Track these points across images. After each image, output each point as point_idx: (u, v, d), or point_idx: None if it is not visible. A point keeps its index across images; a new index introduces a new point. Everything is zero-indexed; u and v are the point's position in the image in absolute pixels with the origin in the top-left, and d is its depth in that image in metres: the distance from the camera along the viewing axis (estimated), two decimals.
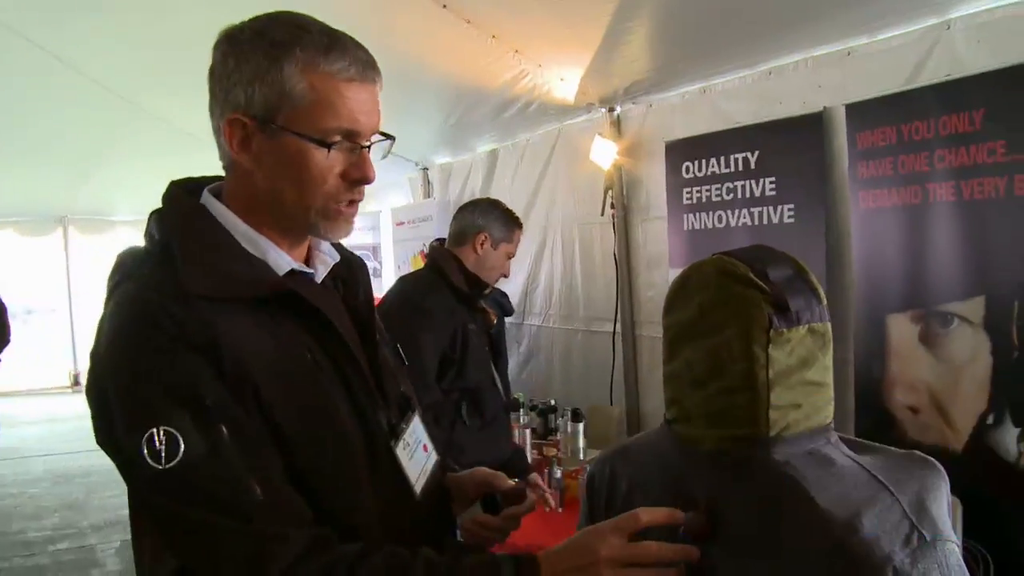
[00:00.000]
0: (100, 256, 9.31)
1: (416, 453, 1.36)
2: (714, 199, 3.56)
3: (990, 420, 2.48)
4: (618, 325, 4.30)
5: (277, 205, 1.21)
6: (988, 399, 2.48)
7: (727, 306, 1.02)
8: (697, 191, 3.65)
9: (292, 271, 1.25)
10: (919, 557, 0.88)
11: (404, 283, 3.14)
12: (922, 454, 1.02)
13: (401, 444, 1.31)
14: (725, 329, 1.02)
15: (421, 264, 6.95)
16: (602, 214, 4.28)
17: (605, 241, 4.37)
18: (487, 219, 3.05)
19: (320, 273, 1.32)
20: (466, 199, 5.89)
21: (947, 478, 0.98)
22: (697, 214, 3.65)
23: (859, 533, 0.90)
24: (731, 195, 3.47)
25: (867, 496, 0.94)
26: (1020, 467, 2.37)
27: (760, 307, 1.00)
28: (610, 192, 4.22)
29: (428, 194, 6.48)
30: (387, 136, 1.26)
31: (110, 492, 6.03)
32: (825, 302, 1.06)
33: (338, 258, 1.37)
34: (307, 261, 1.33)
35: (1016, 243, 2.39)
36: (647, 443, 1.21)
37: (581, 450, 3.83)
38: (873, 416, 2.83)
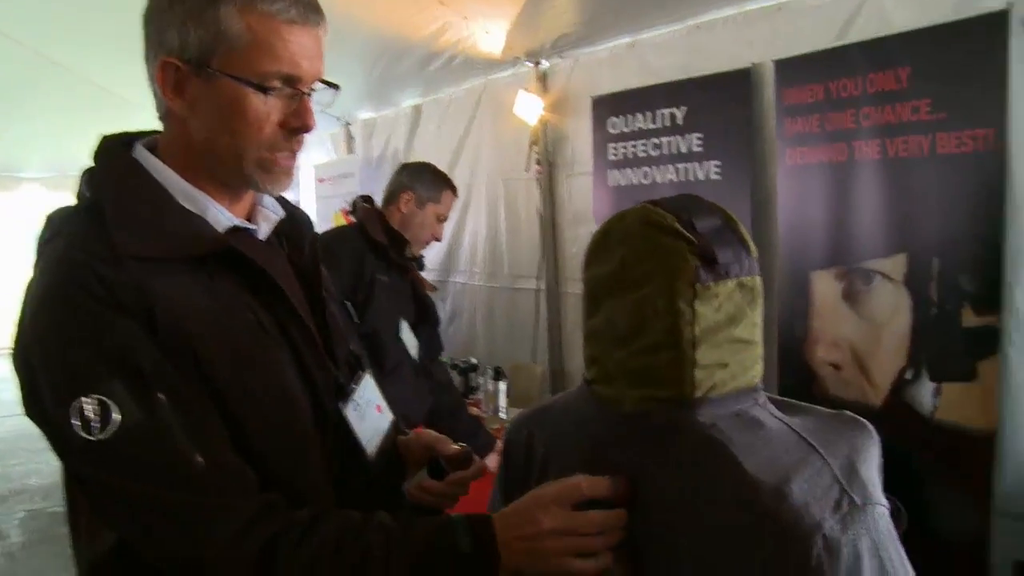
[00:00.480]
0: (8, 214, 8.99)
1: (368, 413, 1.32)
2: (640, 155, 3.52)
3: (908, 376, 2.51)
4: (542, 282, 4.25)
5: (212, 156, 1.14)
6: (907, 355, 2.51)
7: (651, 258, 0.96)
8: (623, 147, 3.60)
9: (234, 228, 1.17)
10: (849, 523, 0.84)
11: (328, 237, 3.05)
12: (852, 414, 0.97)
13: (351, 405, 1.27)
14: (648, 283, 0.95)
15: (344, 222, 6.86)
16: (527, 170, 4.23)
17: (530, 198, 4.31)
18: (413, 178, 3.02)
19: (263, 230, 1.25)
20: (389, 156, 5.81)
21: (878, 439, 0.94)
22: (623, 170, 3.61)
23: (788, 500, 0.85)
24: (657, 151, 3.43)
25: (796, 460, 0.89)
26: (934, 421, 2.42)
27: (686, 259, 0.94)
28: (535, 148, 4.17)
29: (351, 150, 6.35)
30: (330, 85, 1.18)
31: (15, 460, 5.76)
32: (755, 255, 1.00)
33: (283, 214, 1.29)
34: (250, 218, 1.25)
35: (938, 201, 2.42)
36: (565, 405, 1.15)
37: (503, 409, 3.82)
38: (795, 373, 2.84)
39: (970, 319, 2.34)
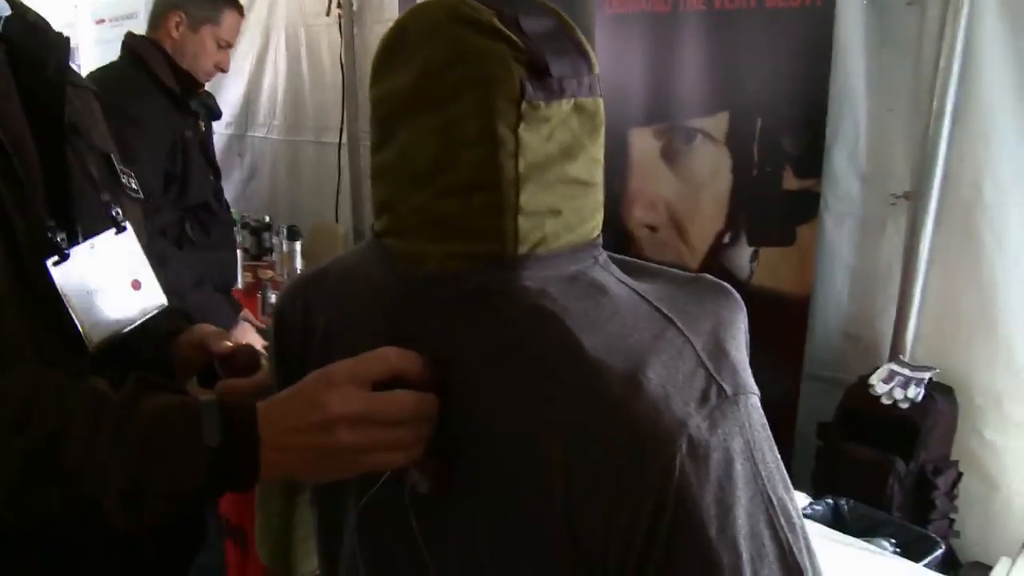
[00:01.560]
0: None
1: (107, 288, 1.01)
2: None
3: (726, 239, 2.44)
4: (344, 136, 3.91)
5: None
6: (726, 217, 2.44)
7: (461, 65, 0.69)
8: None
9: None
10: (719, 419, 0.64)
11: (102, 83, 2.48)
12: (713, 279, 0.76)
13: (67, 268, 0.96)
14: (458, 99, 0.69)
15: None
16: (328, 14, 3.81)
17: (332, 45, 3.91)
18: None
19: None
20: None
21: (744, 309, 0.75)
22: None
23: (643, 391, 0.63)
24: None
25: (650, 337, 0.67)
26: (751, 285, 2.36)
27: (508, 68, 0.68)
28: None
29: None
30: None
31: None
32: (597, 70, 0.76)
33: (6, 12, 0.98)
34: None
35: (763, 57, 2.30)
36: (351, 265, 0.87)
37: (299, 271, 3.53)
38: (610, 234, 2.70)
39: (791, 182, 2.28)
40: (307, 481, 0.98)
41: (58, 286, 0.95)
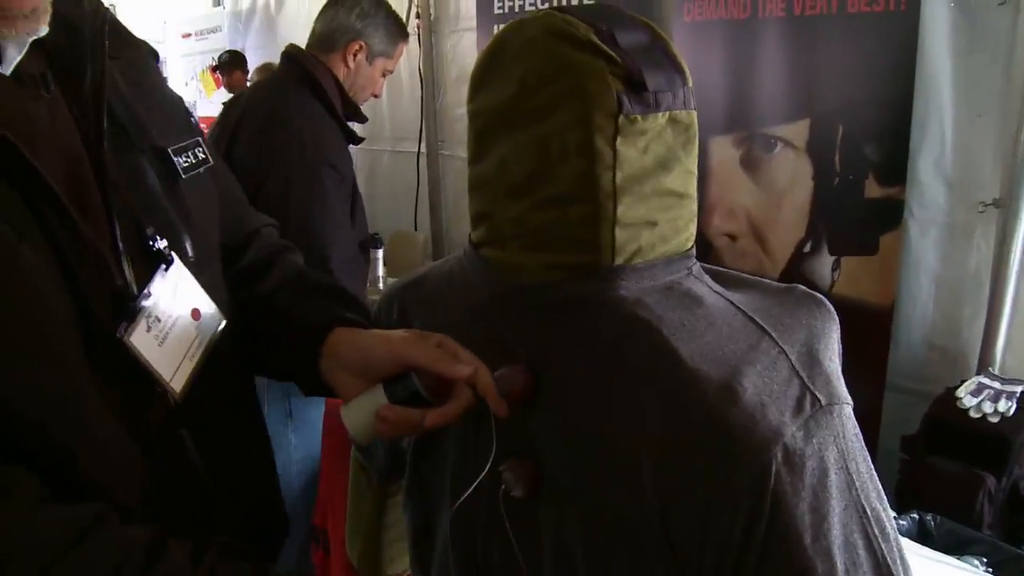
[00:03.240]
0: None
1: (176, 328, 0.90)
2: (528, 8, 3.23)
3: (807, 248, 2.41)
4: (423, 145, 3.97)
5: None
6: (807, 226, 2.40)
7: (560, 80, 0.71)
8: (509, 0, 3.32)
9: None
10: (813, 429, 0.64)
11: (276, 103, 2.24)
12: (806, 289, 0.77)
13: (140, 324, 0.85)
14: (555, 113, 0.71)
15: (212, 82, 6.33)
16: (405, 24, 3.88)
17: (410, 55, 3.97)
18: (367, 24, 2.30)
19: (8, 59, 0.80)
20: (259, 8, 5.30)
21: (837, 319, 0.75)
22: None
23: (739, 400, 0.64)
24: (545, 4, 3.15)
25: (746, 348, 0.68)
26: (833, 295, 2.32)
27: (606, 82, 0.69)
28: (414, 0, 3.82)
29: (217, 2, 5.84)
30: None
31: None
32: (691, 83, 0.77)
33: (43, 31, 0.81)
34: None
35: (845, 63, 2.27)
36: (447, 273, 0.90)
37: (380, 279, 3.58)
38: None
39: (874, 190, 2.23)
40: None
41: (136, 351, 0.85)
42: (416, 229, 4.06)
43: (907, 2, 2.09)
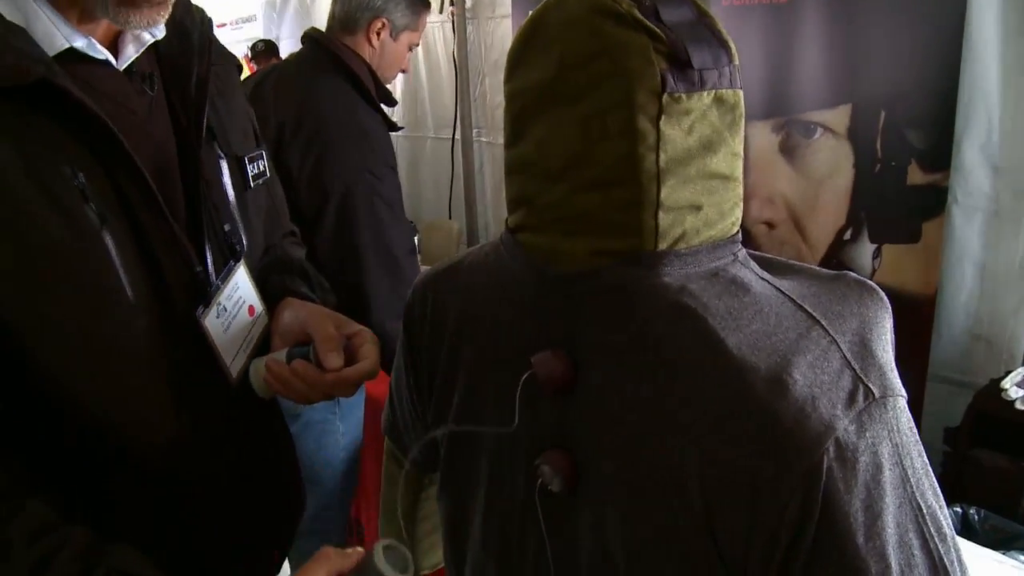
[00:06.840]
0: None
1: (236, 319, 1.01)
2: None
3: (847, 236, 2.37)
4: (458, 132, 3.95)
5: None
6: (847, 213, 2.36)
7: (601, 57, 0.68)
8: None
9: (68, 51, 0.84)
10: (867, 422, 0.61)
11: (312, 88, 2.13)
12: (857, 276, 0.73)
13: (213, 311, 0.95)
14: (597, 92, 0.68)
15: (247, 71, 6.33)
16: (440, 11, 3.85)
17: (447, 42, 3.96)
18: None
19: (126, 56, 0.92)
20: None
21: (890, 308, 0.71)
22: None
23: (789, 392, 0.61)
24: None
25: (795, 337, 0.65)
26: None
27: (649, 59, 0.66)
28: None
29: None
30: None
31: None
32: (737, 60, 0.74)
33: (159, 35, 0.95)
34: (115, 44, 0.92)
35: (889, 48, 2.22)
36: (485, 260, 0.87)
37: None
38: None
39: (917, 176, 2.19)
40: None
41: (208, 332, 0.95)
42: (451, 217, 4.04)
43: None
